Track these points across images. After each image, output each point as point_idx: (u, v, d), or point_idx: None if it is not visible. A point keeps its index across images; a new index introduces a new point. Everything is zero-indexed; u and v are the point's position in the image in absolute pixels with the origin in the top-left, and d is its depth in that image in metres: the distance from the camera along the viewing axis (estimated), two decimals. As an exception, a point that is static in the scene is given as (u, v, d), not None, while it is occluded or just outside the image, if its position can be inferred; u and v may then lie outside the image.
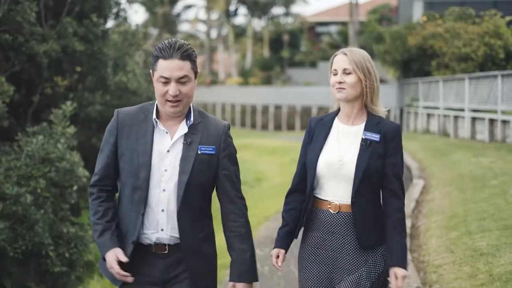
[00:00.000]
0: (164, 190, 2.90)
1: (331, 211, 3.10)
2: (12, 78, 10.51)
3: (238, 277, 2.97)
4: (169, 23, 44.67)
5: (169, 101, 2.87)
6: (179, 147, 2.93)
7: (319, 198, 3.16)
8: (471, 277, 5.22)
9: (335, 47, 41.31)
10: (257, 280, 3.04)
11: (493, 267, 5.24)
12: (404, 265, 3.01)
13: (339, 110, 3.24)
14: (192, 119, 2.96)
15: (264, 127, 31.72)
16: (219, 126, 3.02)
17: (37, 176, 7.53)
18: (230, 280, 3.00)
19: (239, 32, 44.92)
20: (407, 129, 20.93)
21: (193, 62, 2.91)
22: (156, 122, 2.93)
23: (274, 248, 3.26)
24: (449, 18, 18.67)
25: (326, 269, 3.14)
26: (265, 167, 19.63)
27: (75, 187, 7.99)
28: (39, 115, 11.68)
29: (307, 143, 3.23)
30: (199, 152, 2.92)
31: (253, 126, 32.48)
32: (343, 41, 38.94)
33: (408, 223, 7.52)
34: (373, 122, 3.13)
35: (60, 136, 7.98)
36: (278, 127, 30.93)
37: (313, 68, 38.39)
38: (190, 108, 3.00)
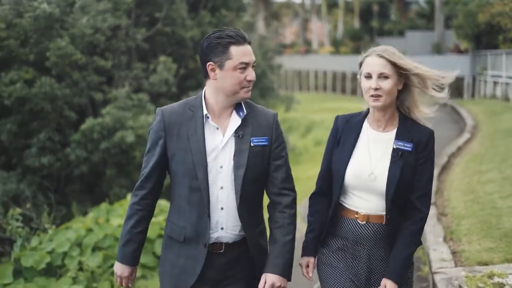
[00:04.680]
0: (222, 188, 2.82)
1: (359, 221, 2.90)
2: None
3: (273, 268, 2.85)
4: (265, -6, 47.62)
5: (245, 87, 2.81)
6: (232, 141, 2.84)
7: (345, 207, 2.95)
8: (467, 183, 8.82)
9: (423, 16, 43.40)
10: (290, 280, 2.93)
11: (482, 178, 8.84)
12: (396, 279, 2.87)
13: (368, 111, 2.99)
14: (245, 110, 2.87)
15: (353, 92, 34.48)
16: (269, 115, 2.94)
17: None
18: (265, 272, 2.87)
19: (332, 4, 47.73)
20: (478, 95, 23.95)
21: None
22: (208, 117, 2.84)
23: (302, 256, 3.06)
24: (516, -3, 21.39)
25: (353, 277, 2.97)
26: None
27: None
28: (183, 83, 15.95)
29: (333, 144, 3.00)
30: (252, 144, 2.84)
31: (343, 91, 35.49)
32: (430, 10, 40.94)
33: (445, 158, 11.10)
34: (405, 128, 2.88)
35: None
36: (366, 92, 33.91)
37: (401, 37, 39.82)
38: None
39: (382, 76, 2.81)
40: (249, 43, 2.83)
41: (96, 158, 11.42)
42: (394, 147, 2.85)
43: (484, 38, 22.75)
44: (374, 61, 2.82)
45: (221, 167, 2.83)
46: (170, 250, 2.96)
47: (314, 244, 3.04)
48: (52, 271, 7.85)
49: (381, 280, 2.92)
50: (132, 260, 2.97)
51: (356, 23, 44.16)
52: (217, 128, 2.84)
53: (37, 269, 7.73)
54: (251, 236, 2.90)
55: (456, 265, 5.18)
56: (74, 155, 11.67)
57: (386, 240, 2.92)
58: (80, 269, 7.62)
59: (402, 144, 2.85)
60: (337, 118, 3.06)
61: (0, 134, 12.23)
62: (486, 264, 5.03)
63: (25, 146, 12.37)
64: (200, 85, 13.91)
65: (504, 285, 4.34)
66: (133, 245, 2.94)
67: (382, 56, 2.81)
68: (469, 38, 23.35)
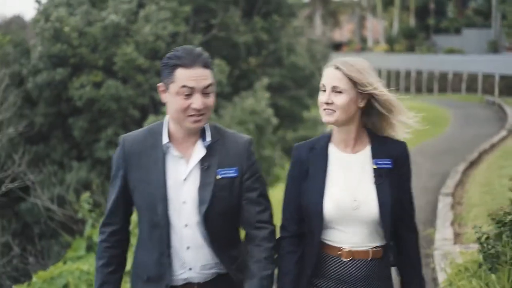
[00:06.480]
0: (186, 225, 2.52)
1: (342, 258, 2.57)
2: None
3: None
4: (322, -6, 48.30)
5: (191, 116, 2.45)
6: (196, 173, 2.53)
7: (326, 243, 2.59)
8: (487, 177, 9.58)
9: (480, 13, 43.10)
10: None
11: (502, 172, 9.60)
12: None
13: (330, 133, 2.63)
14: (209, 138, 2.54)
15: (407, 90, 35.04)
16: (240, 142, 2.60)
17: (248, 121, 13.07)
18: None
19: (387, 1, 47.98)
20: (528, 92, 24.33)
21: (212, 71, 2.51)
22: (169, 146, 2.53)
23: None
24: None
25: None
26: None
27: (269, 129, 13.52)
28: (237, 83, 17.25)
29: (299, 178, 2.61)
30: (218, 177, 2.52)
31: (397, 89, 36.04)
32: (487, 7, 40.67)
33: (475, 154, 11.84)
34: (379, 145, 2.58)
35: (262, 98, 13.49)
36: (418, 90, 34.41)
37: (457, 34, 39.66)
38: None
39: (335, 91, 2.50)
40: (205, 66, 2.47)
41: (156, 152, 12.92)
42: (375, 167, 2.55)
43: (533, 38, 23.16)
44: (330, 73, 2.53)
45: (184, 202, 2.52)
46: None
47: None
48: (119, 247, 9.27)
49: None
50: None
51: (412, 21, 44.34)
52: (181, 158, 2.54)
53: (107, 245, 9.15)
54: (230, 272, 2.62)
55: (455, 244, 6.05)
56: (138, 149, 13.13)
57: (372, 278, 2.60)
58: (144, 244, 8.98)
59: (382, 162, 2.55)
60: (297, 147, 2.67)
61: (73, 130, 14.01)
62: (481, 243, 5.95)
63: (94, 141, 14.12)
64: (251, 86, 15.26)
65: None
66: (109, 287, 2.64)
67: (338, 68, 2.51)
68: (518, 37, 23.79)
